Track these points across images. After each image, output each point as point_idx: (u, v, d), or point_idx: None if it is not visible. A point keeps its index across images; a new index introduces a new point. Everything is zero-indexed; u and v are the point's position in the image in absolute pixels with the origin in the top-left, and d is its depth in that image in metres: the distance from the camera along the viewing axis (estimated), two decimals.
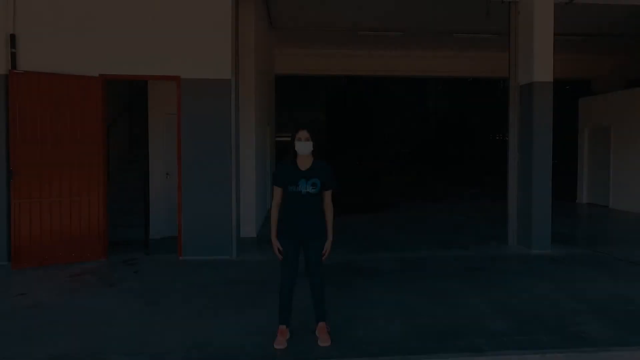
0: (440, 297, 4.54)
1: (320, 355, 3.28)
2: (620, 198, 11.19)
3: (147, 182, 7.43)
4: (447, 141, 26.25)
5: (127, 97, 9.69)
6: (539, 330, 3.69)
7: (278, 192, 3.48)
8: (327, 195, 3.52)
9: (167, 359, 3.22)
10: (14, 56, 5.77)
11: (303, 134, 3.40)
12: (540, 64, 6.45)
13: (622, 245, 6.99)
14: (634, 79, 15.34)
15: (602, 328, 3.74)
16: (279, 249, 3.45)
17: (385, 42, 12.02)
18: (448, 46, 12.78)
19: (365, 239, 7.58)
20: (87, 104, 5.92)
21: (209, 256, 6.10)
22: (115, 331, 3.70)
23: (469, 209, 11.08)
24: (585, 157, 12.62)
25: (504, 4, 7.02)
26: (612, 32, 11.42)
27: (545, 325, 3.80)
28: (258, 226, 7.95)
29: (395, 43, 12.13)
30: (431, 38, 11.84)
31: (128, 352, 3.33)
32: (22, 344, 3.48)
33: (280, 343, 3.39)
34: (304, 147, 3.41)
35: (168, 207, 7.62)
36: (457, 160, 24.14)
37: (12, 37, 5.78)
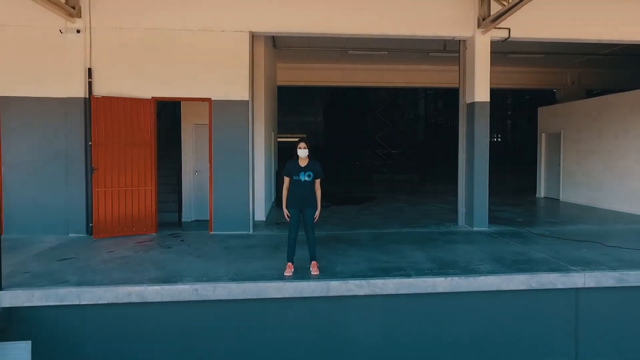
0: (394, 253, 6.68)
1: (313, 279, 5.43)
2: (568, 192, 13.38)
3: (180, 178, 9.60)
4: (434, 142, 28.49)
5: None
6: (451, 268, 5.84)
7: (287, 180, 5.62)
8: (317, 182, 5.66)
9: (221, 279, 5.38)
10: (90, 84, 7.92)
11: (302, 144, 5.56)
12: (479, 88, 8.60)
13: (544, 225, 9.15)
14: (592, 89, 17.59)
15: (490, 267, 5.90)
16: (287, 215, 5.60)
17: (373, 58, 14.16)
18: (427, 62, 14.92)
19: (350, 222, 9.72)
20: (142, 119, 8.06)
21: (231, 231, 8.24)
22: (182, 268, 5.85)
23: (442, 201, 13.22)
24: (542, 158, 14.78)
25: (456, 41, 9.18)
26: (569, 51, 13.56)
27: (457, 266, 5.95)
28: (265, 212, 10.08)
29: (381, 60, 14.28)
30: (412, 56, 13.98)
31: (195, 277, 5.47)
32: (130, 274, 5.62)
33: (288, 272, 5.54)
34: (302, 152, 5.56)
35: (196, 197, 9.76)
36: (443, 159, 26.28)
37: (89, 70, 7.92)
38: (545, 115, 14.82)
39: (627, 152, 11.15)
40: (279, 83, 15.05)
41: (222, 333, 5.26)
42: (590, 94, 17.03)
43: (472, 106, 8.71)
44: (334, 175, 20.25)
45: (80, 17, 7.85)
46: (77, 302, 5.08)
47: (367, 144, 26.60)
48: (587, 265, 6.00)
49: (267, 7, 8.16)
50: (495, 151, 23.18)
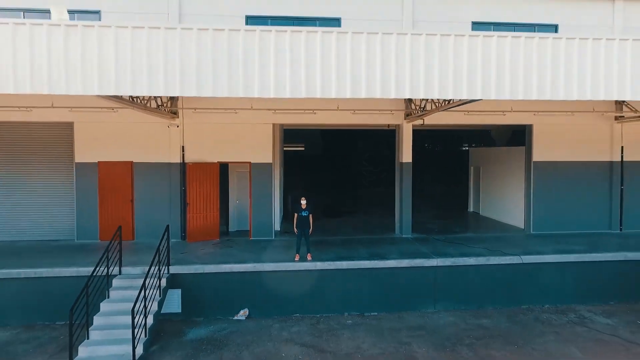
0: (351, 250, 12.82)
1: (308, 262, 11.57)
2: (485, 209, 19.60)
3: (228, 205, 15.76)
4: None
5: None
6: (376, 257, 12.01)
7: (295, 215, 11.79)
8: (311, 215, 11.84)
9: (264, 261, 11.54)
10: (183, 155, 14.05)
11: (303, 200, 11.74)
12: (406, 153, 14.76)
13: (448, 233, 15.30)
14: (517, 130, 23.74)
15: (395, 256, 12.08)
16: (295, 231, 11.78)
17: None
18: None
19: (331, 231, 15.84)
20: (211, 173, 14.18)
21: (261, 237, 14.36)
22: (244, 257, 12.00)
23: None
24: (471, 183, 21.00)
25: (394, 125, 15.34)
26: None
27: (379, 256, 12.11)
28: (279, 225, 16.19)
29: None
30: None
31: (252, 260, 11.63)
32: (220, 258, 11.76)
33: (296, 259, 11.70)
34: (303, 203, 11.75)
35: (237, 216, 15.86)
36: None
37: (182, 147, 14.06)
38: (473, 153, 21.06)
39: (511, 183, 17.38)
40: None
41: (264, 287, 11.40)
42: (515, 133, 23.16)
43: (401, 164, 14.90)
44: (328, 184, 26.49)
45: (178, 117, 13.98)
46: (201, 271, 11.21)
47: (355, 161, 32.56)
48: (443, 255, 12.18)
49: (282, 112, 14.28)
50: (444, 176, 29.41)
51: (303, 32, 8.62)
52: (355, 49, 8.75)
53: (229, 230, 15.57)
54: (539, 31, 15.32)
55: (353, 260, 11.74)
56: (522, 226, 16.28)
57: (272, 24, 14.12)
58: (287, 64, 8.55)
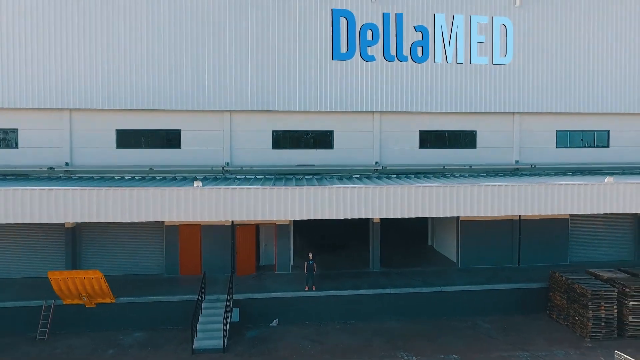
0: (338, 282, 20.77)
1: (313, 292, 19.52)
2: (437, 244, 27.64)
3: (257, 246, 23.74)
4: None
5: None
6: (354, 288, 19.97)
7: (305, 263, 19.76)
8: (314, 263, 19.81)
9: (287, 291, 19.51)
10: (233, 221, 21.95)
11: (310, 253, 19.76)
12: (375, 221, 22.68)
13: (407, 267, 23.24)
14: None
15: (365, 287, 20.07)
16: (305, 273, 19.76)
17: None
18: None
19: (325, 264, 23.73)
20: (252, 231, 22.10)
21: (281, 271, 22.26)
22: (276, 287, 19.94)
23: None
24: (429, 224, 29.00)
25: None
26: None
27: (355, 287, 20.08)
28: (293, 261, 24.07)
29: None
30: None
31: (281, 290, 19.57)
32: (263, 290, 19.70)
33: (305, 289, 19.69)
34: (310, 256, 19.75)
35: (265, 254, 23.76)
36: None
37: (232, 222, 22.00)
38: None
39: (450, 229, 25.39)
40: None
41: (287, 305, 19.28)
42: None
43: (373, 224, 22.81)
44: (324, 227, 34.38)
45: None
46: (250, 297, 19.14)
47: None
48: (395, 287, 20.11)
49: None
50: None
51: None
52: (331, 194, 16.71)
53: (260, 264, 23.48)
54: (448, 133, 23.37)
55: (339, 290, 19.70)
56: (454, 260, 24.24)
57: (289, 134, 22.11)
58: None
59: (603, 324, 17.62)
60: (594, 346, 17.22)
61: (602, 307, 17.59)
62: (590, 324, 17.54)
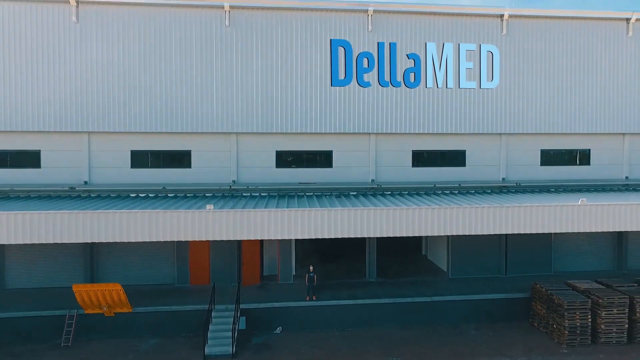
0: (336, 292, 22.48)
1: (314, 301, 21.23)
2: (430, 254, 29.30)
3: (262, 257, 25.46)
4: None
5: None
6: (350, 297, 21.68)
7: (306, 275, 21.47)
8: (315, 275, 21.52)
9: (289, 300, 21.25)
10: (240, 241, 23.70)
11: (311, 266, 21.48)
12: (371, 238, 24.41)
13: (402, 277, 24.93)
14: None
15: (362, 296, 21.78)
16: (306, 284, 21.47)
17: None
18: None
19: (325, 273, 25.43)
20: (257, 244, 23.80)
21: (284, 281, 23.96)
22: (280, 296, 21.64)
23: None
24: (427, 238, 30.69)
25: None
26: None
27: (352, 296, 21.80)
28: (295, 271, 25.77)
29: None
30: None
31: (283, 299, 21.30)
32: (268, 299, 21.41)
33: (307, 299, 21.40)
34: (311, 268, 21.47)
35: (269, 264, 25.47)
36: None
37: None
38: None
39: (442, 241, 27.09)
40: None
41: (290, 314, 20.99)
42: None
43: (368, 240, 24.52)
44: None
45: None
46: (256, 307, 20.86)
47: None
48: (390, 297, 21.82)
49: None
50: None
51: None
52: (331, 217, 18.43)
53: (263, 274, 25.17)
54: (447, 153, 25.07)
55: (338, 300, 21.41)
56: (445, 270, 25.90)
57: (291, 154, 23.83)
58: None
59: (578, 332, 19.30)
60: (569, 352, 18.91)
61: (578, 317, 19.27)
62: (566, 332, 19.23)
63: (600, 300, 19.43)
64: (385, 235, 17.82)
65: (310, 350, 19.10)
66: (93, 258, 22.78)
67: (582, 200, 18.71)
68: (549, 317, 20.27)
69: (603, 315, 19.33)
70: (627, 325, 19.45)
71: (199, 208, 18.09)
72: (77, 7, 22.34)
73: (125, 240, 16.86)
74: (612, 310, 19.33)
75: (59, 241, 16.68)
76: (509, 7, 24.26)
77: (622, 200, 20.90)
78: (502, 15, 24.39)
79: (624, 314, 19.39)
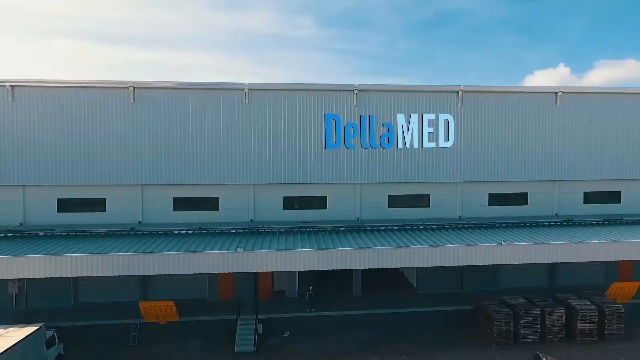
0: (331, 305, 29.83)
1: (314, 312, 28.59)
2: (407, 272, 36.64)
3: (272, 277, 32.88)
4: None
5: None
6: (341, 309, 29.04)
7: (307, 292, 28.84)
8: (313, 294, 28.90)
9: (297, 312, 28.62)
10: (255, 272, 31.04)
11: (310, 286, 28.87)
12: None
13: (385, 292, 32.29)
14: None
15: (353, 306, 29.18)
16: (307, 299, 28.86)
17: None
18: None
19: (322, 291, 32.73)
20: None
21: (291, 296, 31.27)
22: (289, 308, 29.01)
23: None
24: None
25: None
26: None
27: (344, 309, 29.15)
28: (298, 287, 33.07)
29: None
30: None
31: (291, 311, 28.67)
32: (279, 311, 28.77)
33: (307, 310, 28.77)
34: (310, 288, 28.85)
35: (277, 281, 32.81)
36: None
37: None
38: None
39: None
40: None
41: (295, 323, 28.31)
42: None
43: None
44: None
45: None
46: (271, 316, 28.20)
47: None
48: (362, 308, 29.15)
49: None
50: None
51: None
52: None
53: (274, 289, 32.43)
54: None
55: (331, 311, 28.74)
56: (415, 286, 33.14)
57: (295, 199, 31.23)
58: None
59: (504, 334, 26.65)
60: (496, 349, 26.27)
61: (504, 324, 26.62)
62: (495, 335, 26.57)
63: (520, 312, 26.79)
64: (366, 267, 25.14)
65: (310, 348, 26.46)
66: (145, 279, 30.14)
67: (504, 242, 26.03)
68: (485, 324, 27.63)
69: (522, 322, 26.68)
70: (539, 330, 26.79)
71: (227, 244, 25.51)
72: (134, 92, 29.75)
73: (172, 272, 24.09)
74: (529, 320, 26.68)
75: (124, 274, 23.99)
76: (463, 85, 31.65)
77: (554, 235, 28.07)
78: (458, 92, 31.77)
79: (537, 321, 26.74)
